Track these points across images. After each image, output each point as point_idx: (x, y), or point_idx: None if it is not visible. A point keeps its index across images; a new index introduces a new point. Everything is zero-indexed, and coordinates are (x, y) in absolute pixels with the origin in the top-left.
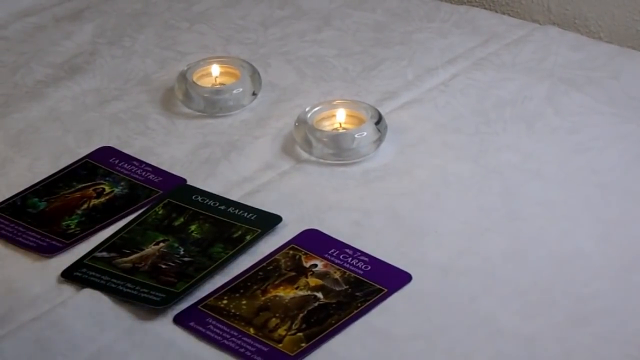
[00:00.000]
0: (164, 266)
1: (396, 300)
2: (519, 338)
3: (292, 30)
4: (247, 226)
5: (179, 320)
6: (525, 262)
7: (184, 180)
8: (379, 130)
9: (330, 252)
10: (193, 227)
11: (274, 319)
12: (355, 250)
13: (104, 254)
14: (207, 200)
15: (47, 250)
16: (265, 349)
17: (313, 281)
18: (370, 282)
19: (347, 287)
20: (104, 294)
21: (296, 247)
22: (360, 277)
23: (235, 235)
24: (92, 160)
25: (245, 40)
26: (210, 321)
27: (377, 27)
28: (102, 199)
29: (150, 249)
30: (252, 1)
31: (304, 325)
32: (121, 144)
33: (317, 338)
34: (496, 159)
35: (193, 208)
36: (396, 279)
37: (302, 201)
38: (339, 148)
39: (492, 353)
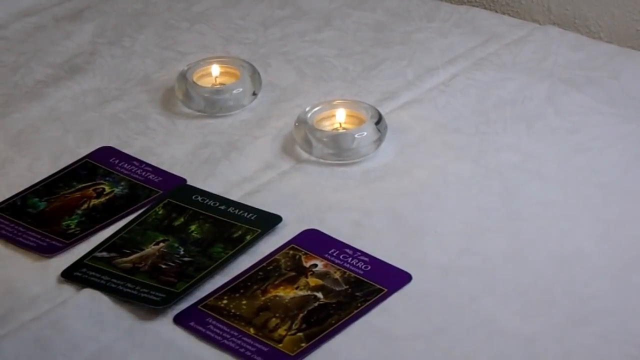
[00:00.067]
0: (164, 266)
1: (396, 300)
2: (519, 338)
3: (292, 30)
4: (247, 226)
5: (179, 320)
6: (525, 262)
7: (184, 180)
8: (379, 130)
9: (330, 252)
10: (193, 227)
11: (274, 319)
12: (355, 250)
13: (104, 254)
14: (207, 200)
15: (47, 250)
16: (265, 349)
17: (313, 281)
18: (370, 282)
19: (347, 287)
20: (104, 294)
21: (296, 247)
22: (360, 277)
23: (235, 235)
24: (92, 160)
25: (245, 40)
26: (210, 321)
27: (377, 27)
28: (102, 199)
29: (150, 249)
30: (252, 1)
31: (304, 325)
32: (121, 144)
33: (317, 338)
34: (496, 159)
35: (193, 208)
36: (396, 279)
37: (302, 201)
38: (339, 148)
39: (492, 353)
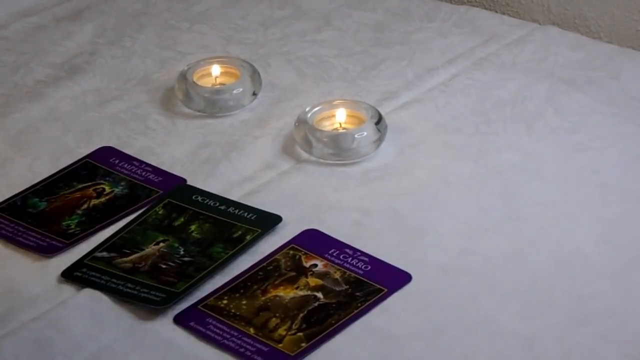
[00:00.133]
0: (164, 266)
1: (396, 300)
2: (519, 338)
3: (292, 30)
4: (247, 226)
5: (179, 320)
6: (525, 262)
7: (184, 180)
8: (379, 130)
9: (330, 252)
10: (193, 227)
11: (274, 319)
12: (355, 250)
13: (104, 254)
14: (207, 200)
15: (47, 250)
16: (265, 349)
17: (313, 281)
18: (370, 282)
19: (347, 287)
20: (104, 294)
21: (296, 247)
22: (360, 277)
23: (235, 235)
24: (92, 160)
25: (245, 40)
26: (210, 321)
27: (377, 27)
28: (102, 199)
29: (151, 249)
30: (252, 1)
31: (304, 325)
32: (121, 144)
33: (317, 338)
34: (496, 159)
35: (193, 208)
36: (396, 279)
37: (302, 201)
38: (339, 148)
39: (492, 353)
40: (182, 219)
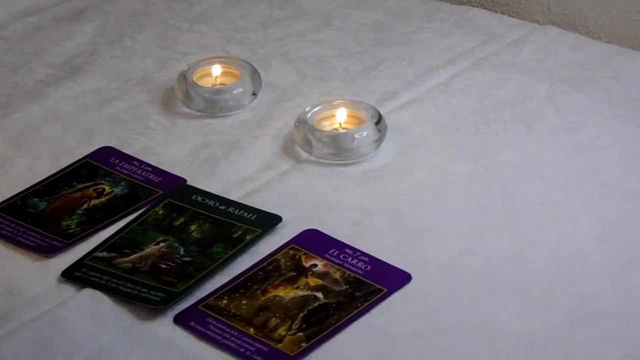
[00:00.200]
0: (164, 266)
1: (396, 300)
2: (519, 338)
3: (292, 30)
4: (247, 226)
5: (179, 320)
6: (525, 262)
7: (184, 180)
8: (379, 130)
9: (330, 252)
10: (193, 227)
11: (274, 319)
12: (355, 250)
13: (104, 254)
14: (207, 200)
15: (47, 250)
16: (265, 349)
17: (313, 281)
18: (370, 282)
19: (347, 287)
20: (104, 294)
21: (296, 247)
22: (360, 277)
23: (235, 235)
24: (92, 160)
25: (245, 40)
26: (210, 321)
27: (377, 27)
28: (102, 199)
29: (151, 249)
30: (252, 1)
31: (304, 325)
32: (121, 144)
33: (317, 338)
34: (496, 159)
35: (193, 208)
36: (396, 279)
37: (302, 201)
38: (339, 148)
39: (492, 353)
40: (182, 219)
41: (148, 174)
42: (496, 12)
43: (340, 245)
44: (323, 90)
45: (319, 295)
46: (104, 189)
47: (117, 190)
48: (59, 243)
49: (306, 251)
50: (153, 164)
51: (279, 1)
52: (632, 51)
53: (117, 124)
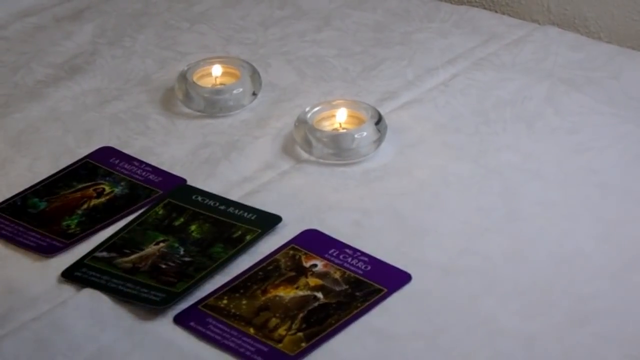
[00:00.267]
0: (164, 266)
1: (396, 300)
2: (519, 338)
3: (292, 30)
4: (247, 226)
5: (179, 320)
6: (525, 262)
7: (184, 180)
8: (379, 130)
9: (330, 252)
10: (193, 227)
11: (274, 319)
12: (355, 250)
13: (104, 254)
14: (207, 200)
15: (47, 250)
16: (265, 349)
17: (313, 281)
18: (370, 282)
19: (347, 287)
20: (104, 294)
21: (296, 247)
22: (360, 277)
23: (235, 235)
24: (92, 161)
25: (245, 40)
26: (210, 321)
27: (377, 27)
28: (102, 199)
29: (151, 249)
30: (252, 1)
31: (304, 325)
32: (121, 144)
33: (317, 338)
34: (496, 159)
35: (193, 208)
36: (396, 279)
37: (302, 201)
38: (339, 148)
39: (492, 353)
40: (182, 219)
41: (148, 174)
42: (496, 12)
43: (340, 245)
44: (323, 90)
45: (319, 295)
46: (104, 189)
47: (117, 190)
48: (59, 243)
49: (306, 251)
50: (153, 164)
51: (279, 1)
52: (632, 51)
53: (117, 124)
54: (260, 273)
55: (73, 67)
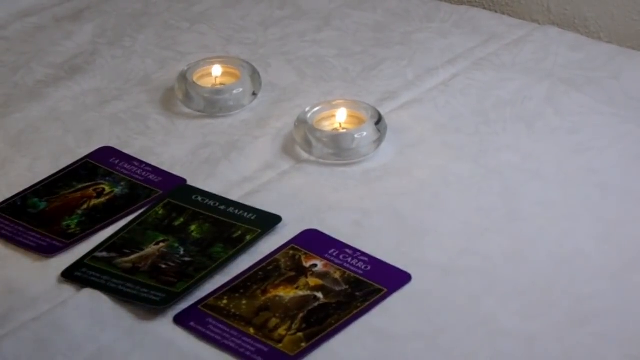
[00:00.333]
0: (164, 266)
1: (396, 300)
2: (519, 338)
3: (292, 30)
4: (247, 226)
5: (179, 320)
6: (525, 262)
7: (184, 180)
8: (379, 130)
9: (330, 252)
10: (193, 227)
11: (274, 319)
12: (355, 250)
13: (104, 254)
14: (207, 200)
15: (47, 250)
16: (265, 349)
17: (313, 281)
18: (370, 282)
19: (347, 287)
20: (104, 294)
21: (296, 247)
22: (360, 277)
23: (235, 235)
24: (92, 161)
25: (245, 40)
26: (210, 321)
27: (377, 27)
28: (102, 199)
29: (151, 249)
30: (252, 1)
31: (304, 325)
32: (121, 144)
33: (317, 338)
34: (496, 159)
35: (193, 208)
36: (396, 279)
37: (302, 201)
38: (339, 148)
39: (492, 353)
40: (182, 219)
41: (148, 174)
42: (496, 12)
43: (340, 245)
44: (323, 90)
45: (319, 295)
46: (104, 189)
47: (117, 190)
48: (59, 243)
49: (306, 251)
50: (153, 164)
51: (279, 1)
52: (632, 51)
53: (117, 124)
54: (260, 273)
55: (73, 67)
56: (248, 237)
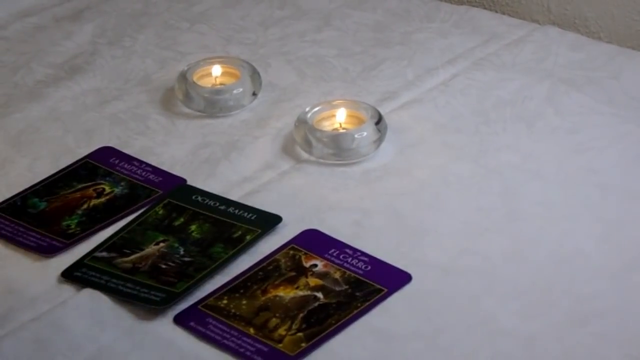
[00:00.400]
0: (164, 266)
1: (396, 300)
2: (519, 338)
3: (292, 30)
4: (247, 226)
5: (179, 320)
6: (525, 262)
7: (184, 180)
8: (379, 130)
9: (330, 252)
10: (193, 227)
11: (274, 319)
12: (355, 250)
13: (104, 254)
14: (207, 200)
15: (47, 250)
16: (265, 349)
17: (313, 281)
18: (370, 282)
19: (347, 287)
20: (104, 294)
21: (296, 247)
22: (360, 277)
23: (235, 235)
24: (92, 161)
25: (245, 40)
26: (210, 321)
27: (377, 27)
28: (102, 199)
29: (150, 249)
30: (252, 1)
31: (304, 325)
32: (121, 144)
33: (317, 338)
34: (496, 159)
35: (193, 208)
36: (396, 279)
37: (302, 201)
38: (339, 148)
39: (492, 353)
40: (182, 219)
41: (148, 174)
42: (496, 12)
43: (340, 245)
44: (323, 90)
45: (319, 295)
46: (104, 189)
47: (117, 190)
48: (59, 243)
49: (306, 251)
50: (153, 164)
51: (279, 1)
52: (632, 51)
53: (117, 124)
54: (260, 273)
55: (73, 67)
56: (248, 237)
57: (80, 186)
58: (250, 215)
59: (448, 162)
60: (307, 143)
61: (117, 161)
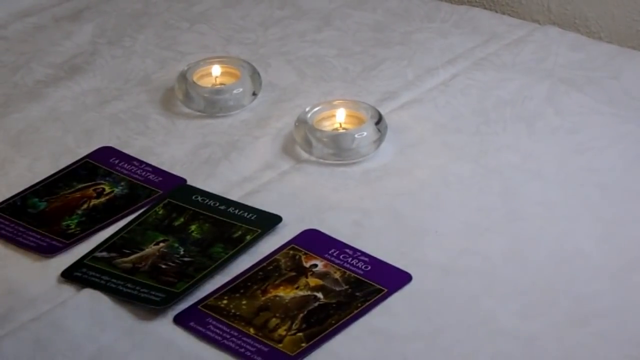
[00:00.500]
0: (164, 266)
1: (396, 300)
2: (519, 338)
3: (292, 30)
4: (247, 226)
5: (179, 320)
6: (525, 262)
7: (184, 180)
8: (379, 130)
9: (330, 252)
10: (193, 227)
11: (274, 319)
12: (355, 250)
13: (104, 254)
14: (207, 200)
15: (47, 250)
16: (265, 349)
17: (313, 281)
18: (370, 282)
19: (347, 287)
20: (104, 294)
21: (296, 247)
22: (361, 277)
23: (235, 235)
24: (92, 160)
25: (245, 40)
26: (210, 321)
27: (377, 27)
28: (102, 199)
29: (150, 249)
30: (252, 1)
31: (304, 325)
32: (121, 144)
33: (317, 338)
34: (496, 159)
35: (193, 208)
36: (396, 279)
37: (302, 201)
38: (339, 148)
39: (492, 353)
40: (182, 219)
41: (148, 174)
42: (496, 12)
43: (341, 245)
44: (323, 90)
45: (319, 295)
46: (103, 189)
47: (117, 190)
48: (59, 243)
49: (306, 251)
50: (153, 164)
51: (279, 1)
52: (633, 51)
53: (117, 124)
54: (260, 273)
55: (73, 67)
56: (248, 237)
57: (80, 186)
58: (250, 215)
59: (448, 162)
60: (307, 143)
61: (117, 161)
